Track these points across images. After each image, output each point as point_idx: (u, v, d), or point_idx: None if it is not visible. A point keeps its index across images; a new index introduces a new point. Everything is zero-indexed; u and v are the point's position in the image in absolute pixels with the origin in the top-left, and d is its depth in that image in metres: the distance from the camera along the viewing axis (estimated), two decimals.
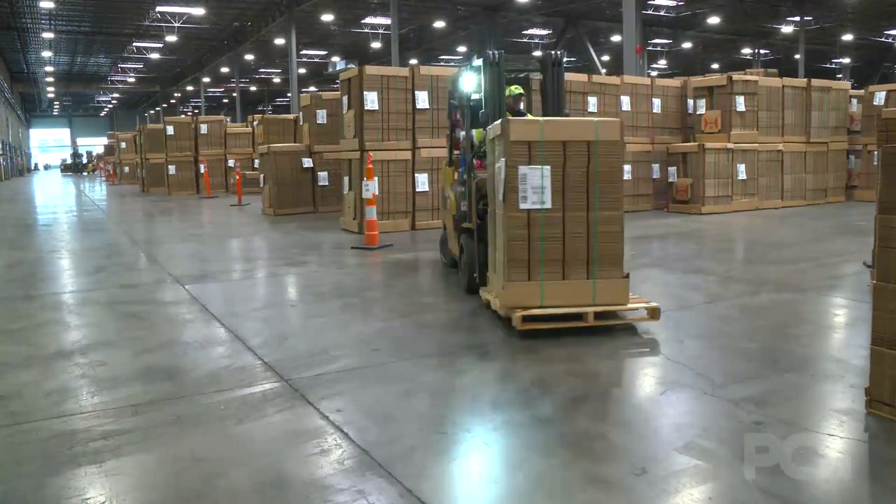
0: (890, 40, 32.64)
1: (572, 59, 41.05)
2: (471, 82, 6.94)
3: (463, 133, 7.21)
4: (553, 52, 7.01)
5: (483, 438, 3.51)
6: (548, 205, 5.15)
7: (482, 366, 4.65)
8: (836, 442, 3.42)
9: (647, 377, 4.46)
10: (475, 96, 6.99)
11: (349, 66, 31.08)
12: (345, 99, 11.88)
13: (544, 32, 37.45)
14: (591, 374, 4.44)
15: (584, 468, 3.15)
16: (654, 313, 5.24)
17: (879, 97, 14.64)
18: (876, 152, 3.96)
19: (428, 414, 3.88)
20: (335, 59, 41.95)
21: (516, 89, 7.21)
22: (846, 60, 43.97)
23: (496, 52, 6.40)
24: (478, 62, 6.68)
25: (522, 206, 5.13)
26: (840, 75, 41.97)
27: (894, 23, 18.92)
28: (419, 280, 7.55)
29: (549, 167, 5.12)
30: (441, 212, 8.37)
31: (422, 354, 4.87)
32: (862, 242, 8.39)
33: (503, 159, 5.19)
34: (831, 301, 6.38)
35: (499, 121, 5.44)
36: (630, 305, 5.32)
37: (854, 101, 15.59)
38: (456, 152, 7.56)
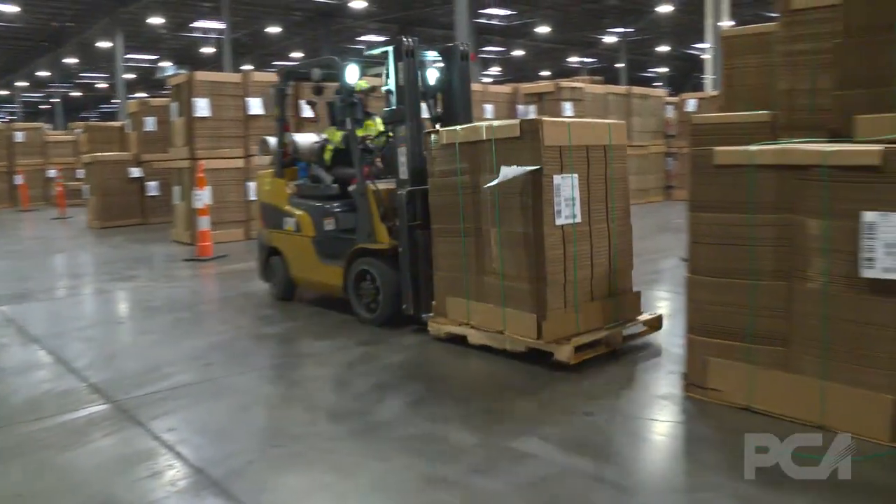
0: (698, 53, 35.20)
1: None
2: (356, 75, 5.84)
3: (299, 136, 6.61)
4: (461, 43, 5.93)
5: (322, 447, 3.48)
6: (578, 218, 4.58)
7: (315, 373, 4.62)
8: (658, 426, 3.68)
9: (480, 373, 4.58)
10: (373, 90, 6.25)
11: (180, 71, 29.95)
12: (174, 105, 11.46)
13: (379, 39, 37.58)
14: (428, 376, 4.52)
15: (423, 469, 3.20)
16: (656, 322, 5.08)
17: (691, 104, 15.75)
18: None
19: (266, 427, 3.82)
20: (165, 63, 40.27)
21: (366, 83, 6.40)
22: (663, 70, 46.99)
23: (411, 38, 5.48)
24: (381, 51, 5.64)
25: (558, 221, 4.47)
26: (658, 83, 44.78)
27: (701, 37, 20.61)
28: (256, 290, 7.36)
29: (577, 175, 4.58)
30: (263, 233, 6.81)
31: (257, 367, 4.78)
32: (679, 239, 8.97)
33: (525, 167, 4.41)
34: (653, 294, 6.79)
35: (504, 121, 4.74)
36: (639, 318, 5.04)
37: (670, 107, 16.69)
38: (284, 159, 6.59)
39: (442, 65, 5.89)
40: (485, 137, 4.72)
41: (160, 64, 40.26)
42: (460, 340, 4.94)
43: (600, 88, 15.19)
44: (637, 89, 16.02)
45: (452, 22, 19.61)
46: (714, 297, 3.80)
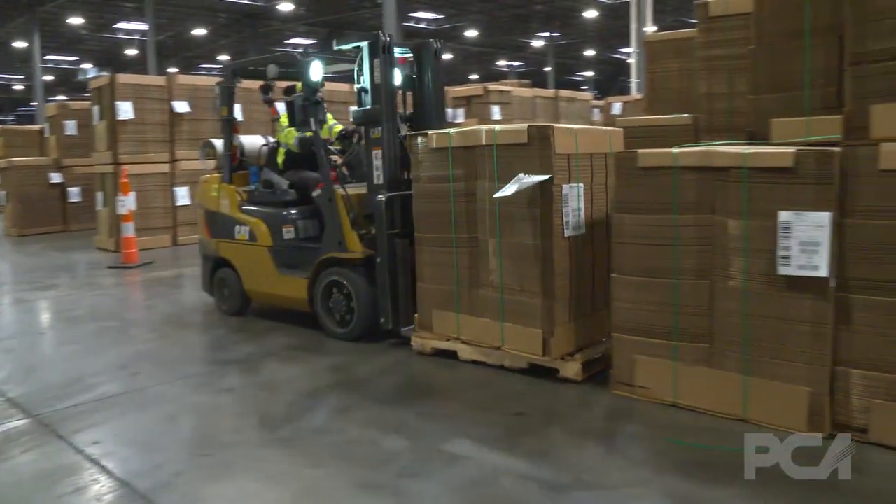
0: (624, 57, 35.99)
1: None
2: (320, 72, 5.41)
3: (245, 138, 6.25)
4: (434, 40, 5.52)
5: (253, 455, 3.44)
6: (583, 229, 4.39)
7: (246, 380, 4.56)
8: (588, 424, 3.74)
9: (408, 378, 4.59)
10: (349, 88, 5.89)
11: (102, 73, 29.14)
12: (96, 109, 11.14)
13: (308, 42, 37.34)
14: (359, 380, 4.51)
15: (355, 475, 3.19)
16: None
17: (616, 107, 16.09)
18: None
19: (194, 436, 3.75)
20: (86, 65, 39.16)
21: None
22: (589, 74, 47.85)
23: (388, 34, 5.12)
24: (353, 45, 5.22)
25: (567, 233, 4.27)
26: (585, 87, 45.55)
27: (626, 42, 21.20)
28: (184, 298, 7.23)
29: (583, 185, 4.38)
30: (209, 243, 6.25)
31: (186, 375, 4.69)
32: None
33: (539, 176, 4.15)
34: None
35: (507, 126, 4.49)
36: None
37: (596, 110, 17.00)
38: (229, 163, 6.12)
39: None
40: (484, 143, 4.43)
41: (81, 66, 39.17)
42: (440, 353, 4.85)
43: (528, 92, 15.36)
44: (564, 93, 16.25)
45: (381, 25, 19.58)
46: (639, 297, 3.89)
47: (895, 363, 3.21)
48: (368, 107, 5.06)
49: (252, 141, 6.29)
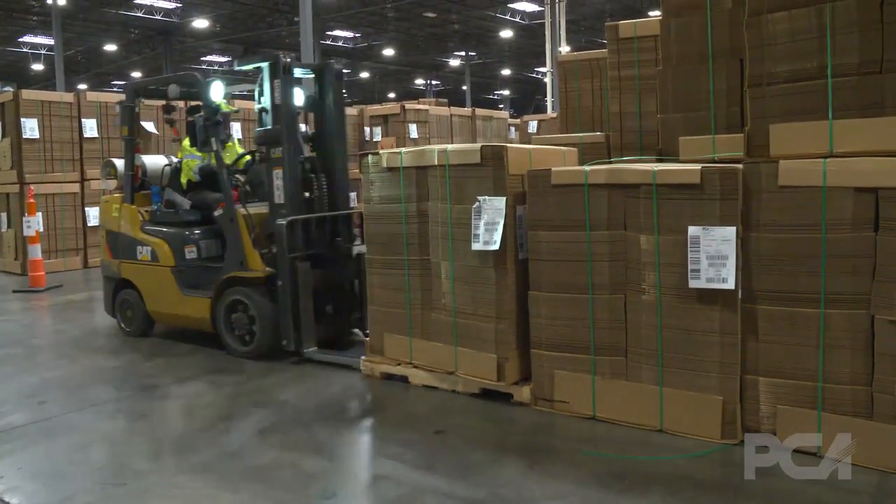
0: (539, 77, 36.68)
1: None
2: (220, 92, 5.52)
3: (148, 158, 6.20)
4: (333, 62, 5.60)
5: (170, 482, 3.35)
6: None
7: (161, 405, 4.44)
8: (508, 440, 3.78)
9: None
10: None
11: (5, 88, 28.07)
12: None
13: (223, 59, 36.84)
14: (278, 402, 4.45)
15: (275, 498, 3.14)
16: None
17: (532, 126, 16.38)
18: None
19: (107, 465, 3.63)
20: None
21: (228, 106, 6.11)
22: (506, 92, 48.59)
23: (288, 55, 5.15)
24: (254, 66, 5.32)
25: (521, 255, 4.14)
26: (501, 105, 46.21)
27: (542, 62, 21.66)
28: (94, 322, 6.98)
29: None
30: (111, 264, 6.19)
31: (97, 402, 4.53)
32: None
33: (499, 198, 4.05)
34: None
35: (460, 146, 4.37)
36: None
37: (512, 129, 17.28)
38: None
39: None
40: (436, 163, 4.34)
41: None
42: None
43: (445, 110, 15.50)
44: (481, 111, 16.47)
45: (298, 43, 19.48)
46: (556, 312, 3.95)
47: (797, 370, 3.35)
48: (269, 127, 5.14)
49: (154, 161, 6.25)
